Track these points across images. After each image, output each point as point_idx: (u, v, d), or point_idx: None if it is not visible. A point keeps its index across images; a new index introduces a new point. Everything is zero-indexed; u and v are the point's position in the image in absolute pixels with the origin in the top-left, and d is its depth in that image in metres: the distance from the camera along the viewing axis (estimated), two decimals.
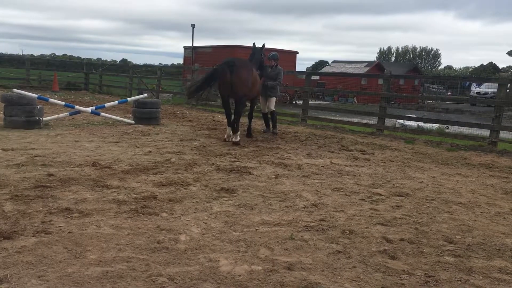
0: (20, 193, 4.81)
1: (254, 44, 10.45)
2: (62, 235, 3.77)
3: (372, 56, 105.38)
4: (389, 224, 4.56)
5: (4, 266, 3.14)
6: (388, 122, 13.23)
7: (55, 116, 10.78)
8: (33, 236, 3.71)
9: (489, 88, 34.54)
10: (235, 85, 8.94)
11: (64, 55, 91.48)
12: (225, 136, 9.60)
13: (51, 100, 11.09)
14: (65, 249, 3.50)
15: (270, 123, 10.83)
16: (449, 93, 42.98)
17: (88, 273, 3.12)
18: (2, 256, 3.31)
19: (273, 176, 6.38)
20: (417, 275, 3.41)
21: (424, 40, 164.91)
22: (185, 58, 32.91)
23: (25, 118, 9.47)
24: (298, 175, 6.56)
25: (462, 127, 12.03)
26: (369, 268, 3.49)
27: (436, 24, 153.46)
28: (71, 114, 11.17)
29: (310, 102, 15.02)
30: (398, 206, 5.24)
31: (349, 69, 38.76)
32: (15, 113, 9.43)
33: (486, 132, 11.12)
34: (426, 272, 3.47)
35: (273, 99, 10.72)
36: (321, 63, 68.13)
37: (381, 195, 5.72)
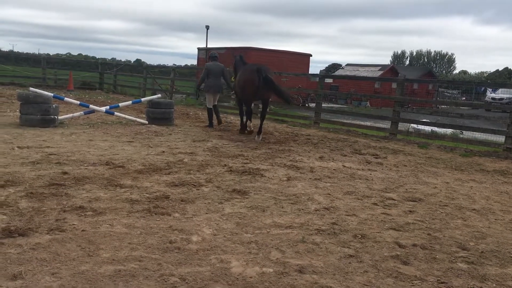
0: (35, 191, 4.87)
1: (234, 55, 12.10)
2: (76, 233, 3.81)
3: (386, 60, 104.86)
4: (402, 229, 4.53)
5: (19, 263, 3.19)
6: (402, 126, 13.14)
7: (70, 115, 10.90)
8: (47, 234, 3.75)
9: (504, 93, 34.17)
10: (263, 88, 9.85)
11: (80, 54, 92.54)
12: (248, 129, 10.66)
13: (66, 99, 11.20)
14: (79, 247, 3.54)
15: (214, 116, 12.03)
16: (464, 98, 42.56)
17: (101, 271, 3.16)
18: (17, 252, 3.35)
19: (285, 179, 6.38)
20: (430, 281, 3.39)
21: (440, 44, 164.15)
22: (199, 59, 33.07)
23: (41, 116, 9.59)
24: (310, 178, 6.55)
25: (477, 133, 11.88)
26: (381, 273, 3.47)
27: (454, 29, 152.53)
28: (85, 113, 11.28)
29: (323, 105, 14.97)
30: (411, 211, 5.20)
31: (363, 73, 38.58)
32: (31, 111, 9.55)
33: (501, 138, 10.99)
34: (439, 278, 3.44)
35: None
36: (335, 66, 67.87)
37: (393, 199, 5.69)
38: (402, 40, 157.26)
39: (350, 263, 3.62)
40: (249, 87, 9.99)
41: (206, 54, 29.94)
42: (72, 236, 3.74)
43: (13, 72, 24.75)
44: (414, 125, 13.90)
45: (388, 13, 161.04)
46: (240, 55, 11.62)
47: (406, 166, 8.16)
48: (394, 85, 26.28)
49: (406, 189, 6.31)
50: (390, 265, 3.62)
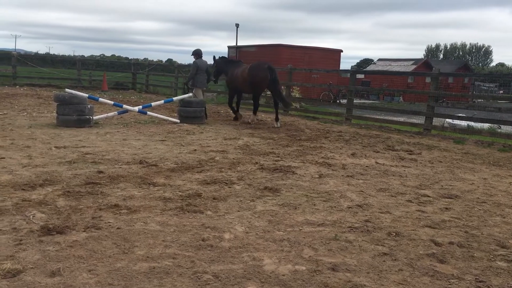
0: (71, 189, 5.00)
1: (214, 56, 13.63)
2: (111, 231, 3.89)
3: (420, 54, 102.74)
4: (438, 227, 4.43)
5: (57, 260, 3.27)
6: (436, 121, 12.85)
7: (104, 115, 11.13)
8: (84, 231, 3.84)
9: None
10: (276, 83, 11.97)
11: (113, 55, 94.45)
12: (250, 119, 12.34)
13: (100, 99, 11.45)
14: (114, 244, 3.61)
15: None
16: (501, 92, 41.25)
17: (136, 268, 3.21)
18: (55, 250, 3.45)
19: (317, 176, 6.34)
20: (467, 280, 3.30)
21: (476, 37, 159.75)
22: (229, 57, 33.23)
23: (77, 116, 9.83)
24: (342, 175, 6.48)
25: None
26: (417, 271, 3.40)
27: (491, 20, 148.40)
28: (119, 113, 11.50)
29: (354, 101, 14.79)
30: (447, 208, 5.08)
31: (395, 67, 37.90)
32: (67, 112, 9.80)
33: None
34: (477, 277, 3.34)
35: None
36: (366, 61, 67.02)
37: (428, 196, 5.57)
38: (437, 33, 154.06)
39: (384, 261, 3.56)
40: (261, 83, 11.82)
41: (236, 52, 30.06)
42: (107, 234, 3.82)
43: (49, 74, 25.48)
44: (450, 120, 13.58)
45: (423, 6, 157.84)
46: (220, 56, 13.50)
47: (441, 162, 7.97)
48: (428, 80, 25.72)
49: (442, 186, 6.16)
50: (426, 264, 3.54)
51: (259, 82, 11.85)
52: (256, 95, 12.34)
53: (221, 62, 13.35)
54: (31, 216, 4.12)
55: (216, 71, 13.39)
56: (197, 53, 12.84)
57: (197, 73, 12.45)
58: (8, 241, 3.56)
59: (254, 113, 12.43)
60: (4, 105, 13.40)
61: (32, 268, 3.13)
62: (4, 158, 6.41)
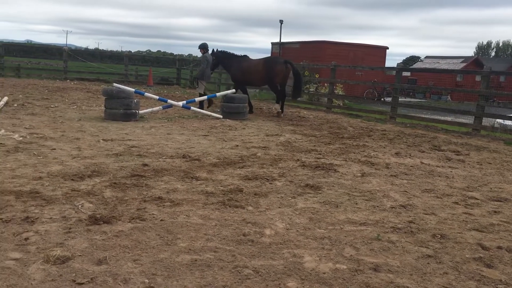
0: (118, 181, 5.15)
1: (213, 49, 13.71)
2: (155, 222, 3.98)
3: (470, 52, 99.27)
4: (485, 230, 4.28)
5: (104, 249, 3.38)
6: (486, 121, 12.38)
7: (149, 110, 11.38)
8: (129, 222, 3.95)
9: None
10: (299, 76, 13.02)
11: (159, 51, 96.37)
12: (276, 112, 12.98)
13: (146, 94, 11.70)
14: (158, 236, 3.69)
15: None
16: None
17: (179, 260, 3.27)
18: (102, 239, 3.56)
19: (359, 175, 6.25)
20: None
21: None
22: (272, 54, 33.20)
23: (123, 110, 10.09)
24: (385, 174, 6.36)
25: None
26: (462, 275, 3.30)
27: None
28: (164, 108, 11.73)
29: (399, 99, 14.47)
30: (495, 212, 4.89)
31: (443, 65, 36.77)
32: (114, 106, 10.08)
33: None
34: None
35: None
36: (412, 59, 65.42)
37: (476, 199, 5.38)
38: (488, 30, 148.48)
39: (428, 263, 3.48)
40: (279, 74, 12.66)
41: (279, 48, 29.99)
42: (151, 225, 3.91)
43: (98, 68, 26.29)
44: (500, 120, 13.07)
45: (474, 2, 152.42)
46: (218, 49, 13.68)
47: (490, 163, 7.68)
48: (478, 78, 24.80)
49: (491, 188, 5.94)
50: (472, 268, 3.43)
51: (277, 74, 12.63)
52: (274, 87, 13.02)
53: (221, 55, 13.71)
54: (79, 206, 4.28)
55: (214, 63, 13.72)
56: (205, 47, 13.33)
57: (207, 67, 13.10)
58: (58, 229, 3.71)
59: (283, 101, 13.06)
60: (56, 98, 13.94)
61: (80, 255, 3.25)
62: (55, 149, 6.68)
